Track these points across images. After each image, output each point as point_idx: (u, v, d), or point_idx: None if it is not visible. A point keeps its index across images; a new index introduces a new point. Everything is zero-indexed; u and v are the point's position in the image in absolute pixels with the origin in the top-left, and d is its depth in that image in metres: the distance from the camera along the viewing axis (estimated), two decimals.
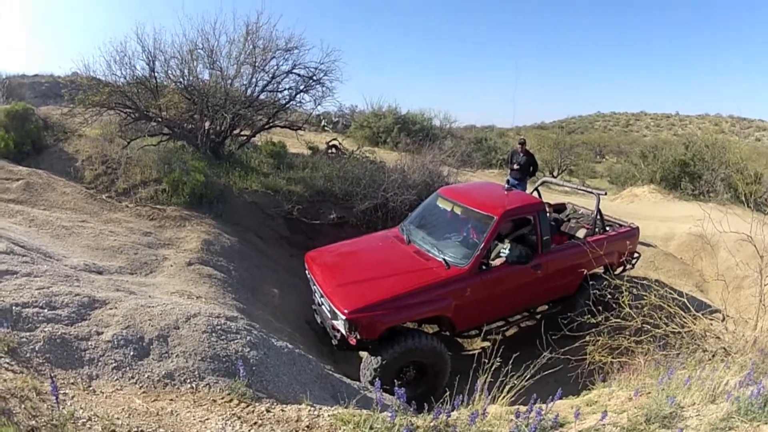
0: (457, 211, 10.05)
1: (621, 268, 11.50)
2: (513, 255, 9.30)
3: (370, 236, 10.98)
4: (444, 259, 8.92)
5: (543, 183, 14.01)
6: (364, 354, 8.79)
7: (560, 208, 12.63)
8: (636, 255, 11.88)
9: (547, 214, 10.21)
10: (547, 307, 10.77)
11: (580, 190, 14.32)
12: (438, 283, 8.56)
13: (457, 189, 11.31)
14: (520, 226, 10.08)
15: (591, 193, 12.05)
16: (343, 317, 7.87)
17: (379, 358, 8.01)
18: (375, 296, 8.15)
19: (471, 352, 10.35)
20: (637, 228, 11.97)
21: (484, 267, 8.98)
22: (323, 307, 8.89)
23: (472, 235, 9.51)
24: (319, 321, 9.62)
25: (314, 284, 9.23)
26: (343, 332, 8.16)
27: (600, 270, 10.34)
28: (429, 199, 11.27)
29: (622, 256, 11.10)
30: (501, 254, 9.47)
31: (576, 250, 10.20)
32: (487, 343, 10.04)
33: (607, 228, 11.57)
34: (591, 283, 9.72)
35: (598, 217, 11.26)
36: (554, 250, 10.09)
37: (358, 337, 7.96)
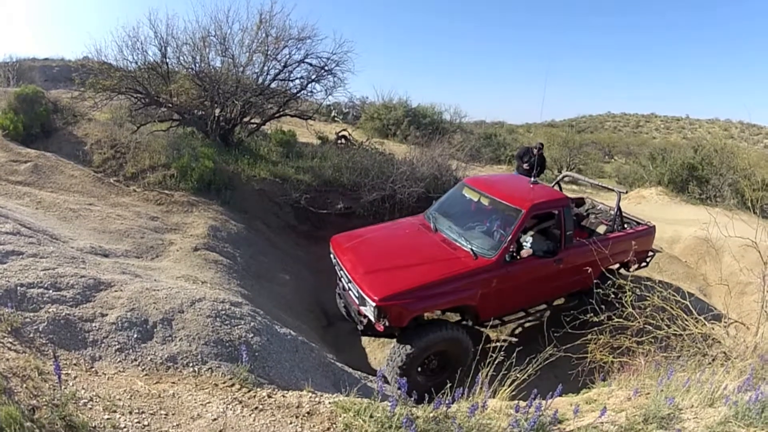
0: (484, 201, 10.13)
1: (636, 266, 11.73)
2: (541, 248, 9.49)
3: (396, 223, 11.01)
4: (472, 250, 8.99)
5: (564, 177, 14.32)
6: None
7: (579, 202, 12.64)
8: (651, 253, 12.13)
9: (571, 210, 10.28)
10: (563, 300, 10.94)
11: (601, 186, 14.59)
12: (466, 273, 8.63)
13: (484, 180, 11.38)
14: (545, 219, 10.21)
15: (612, 190, 12.31)
16: (373, 304, 7.92)
17: (408, 346, 8.14)
18: (405, 284, 8.20)
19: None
20: (654, 227, 12.08)
21: (507, 259, 9.02)
22: (350, 292, 8.94)
23: (498, 226, 9.60)
24: (341, 306, 9.87)
25: (341, 269, 9.29)
26: (371, 318, 8.20)
27: (616, 266, 10.88)
28: (454, 188, 11.34)
29: (639, 253, 11.16)
30: (523, 245, 9.55)
31: (596, 246, 9.93)
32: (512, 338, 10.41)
33: (626, 225, 11.72)
34: (594, 283, 9.73)
35: (618, 214, 11.50)
36: (576, 245, 10.15)
37: (387, 324, 8.01)
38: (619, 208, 11.45)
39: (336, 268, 9.71)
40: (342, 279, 9.41)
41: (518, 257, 9.24)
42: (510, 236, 9.03)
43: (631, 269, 11.74)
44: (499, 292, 8.99)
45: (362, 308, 8.46)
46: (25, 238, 6.91)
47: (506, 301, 9.39)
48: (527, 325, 10.75)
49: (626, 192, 12.35)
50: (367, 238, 10.03)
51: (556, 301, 10.94)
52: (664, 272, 12.98)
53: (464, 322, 9.31)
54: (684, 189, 22.83)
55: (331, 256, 9.94)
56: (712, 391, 5.22)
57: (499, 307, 9.44)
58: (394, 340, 8.60)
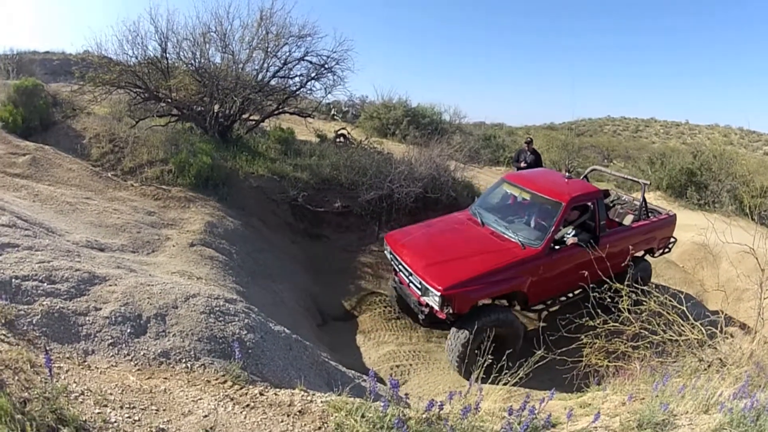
0: (526, 196, 11.11)
1: (660, 251, 12.83)
2: (583, 238, 10.29)
3: (445, 219, 11.59)
4: (520, 241, 9.85)
5: (593, 171, 14.91)
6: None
7: (605, 194, 13.02)
8: (672, 240, 12.98)
9: (604, 201, 11.22)
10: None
11: (627, 179, 16.03)
12: (517, 261, 9.52)
13: (524, 176, 12.01)
14: (581, 211, 10.78)
15: (637, 182, 13.86)
16: (438, 293, 8.76)
17: (468, 330, 8.84)
18: (466, 274, 9.05)
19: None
20: (675, 215, 13.03)
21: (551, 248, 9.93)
22: (411, 284, 9.69)
23: (541, 218, 10.49)
24: (393, 296, 11.22)
25: (400, 263, 10.01)
26: (435, 307, 9.01)
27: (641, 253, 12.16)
28: (495, 184, 12.22)
29: (662, 240, 12.56)
30: (565, 238, 10.28)
31: (625, 234, 11.43)
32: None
33: (650, 215, 12.43)
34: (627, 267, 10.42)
35: (644, 204, 12.35)
36: (609, 233, 10.98)
37: (451, 311, 8.85)
38: (644, 199, 12.27)
39: (393, 263, 10.51)
40: (401, 273, 10.12)
41: (564, 245, 10.11)
42: (553, 227, 9.90)
43: (655, 254, 12.70)
44: (546, 279, 9.88)
45: (424, 298, 9.28)
46: (21, 230, 6.90)
47: (551, 286, 10.18)
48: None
49: (649, 183, 13.29)
50: (422, 233, 10.73)
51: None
52: (660, 277, 13.05)
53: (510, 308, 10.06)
54: (682, 194, 22.80)
55: (386, 252, 10.82)
56: (708, 397, 5.19)
57: (545, 292, 10.26)
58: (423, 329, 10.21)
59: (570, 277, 10.20)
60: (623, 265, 10.12)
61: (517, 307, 10.24)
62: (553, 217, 10.04)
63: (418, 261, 9.60)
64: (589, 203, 10.68)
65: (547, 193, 10.53)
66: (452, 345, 9.12)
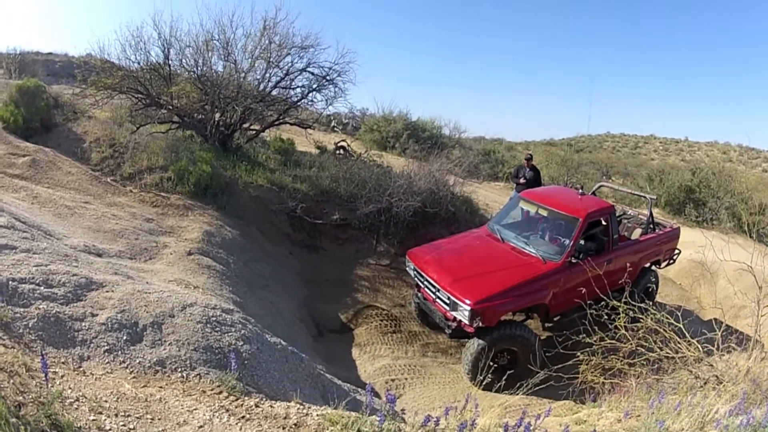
0: (542, 212, 11.64)
1: (666, 263, 13.32)
2: (596, 251, 10.80)
3: (464, 236, 12.02)
4: (540, 255, 10.28)
5: (600, 187, 15.53)
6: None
7: None
8: (677, 251, 13.32)
9: (616, 216, 11.72)
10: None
11: (635, 194, 16.71)
12: (540, 275, 9.92)
13: (539, 193, 12.55)
14: (594, 226, 11.12)
15: (644, 197, 14.42)
16: (468, 307, 9.02)
17: (482, 340, 9.22)
18: (493, 288, 9.37)
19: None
20: (679, 228, 13.65)
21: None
22: (438, 299, 9.95)
23: (560, 233, 10.95)
24: (414, 309, 11.64)
25: (425, 279, 10.30)
26: (465, 321, 9.21)
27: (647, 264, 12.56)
28: (511, 202, 13.06)
29: (668, 252, 13.04)
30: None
31: (636, 247, 11.93)
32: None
33: (656, 228, 13.08)
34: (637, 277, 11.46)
35: (651, 218, 12.80)
36: (621, 246, 11.50)
37: (480, 324, 9.11)
38: (651, 213, 12.71)
39: (416, 279, 10.81)
40: (427, 288, 10.41)
41: (580, 259, 10.30)
42: (572, 242, 10.34)
43: (661, 266, 13.25)
44: (565, 291, 10.17)
45: (452, 313, 9.52)
46: (20, 232, 6.90)
47: (569, 298, 10.13)
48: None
49: (656, 198, 13.77)
50: (445, 250, 11.09)
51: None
52: (658, 294, 13.06)
53: (526, 322, 10.42)
54: (681, 211, 22.89)
55: (408, 268, 11.15)
56: (703, 414, 5.18)
57: (565, 304, 10.39)
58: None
59: (587, 288, 10.10)
60: (634, 276, 10.71)
61: (529, 321, 10.44)
62: (570, 232, 10.49)
63: (445, 277, 9.82)
64: (603, 218, 11.10)
65: (565, 210, 10.97)
66: (468, 355, 9.33)
